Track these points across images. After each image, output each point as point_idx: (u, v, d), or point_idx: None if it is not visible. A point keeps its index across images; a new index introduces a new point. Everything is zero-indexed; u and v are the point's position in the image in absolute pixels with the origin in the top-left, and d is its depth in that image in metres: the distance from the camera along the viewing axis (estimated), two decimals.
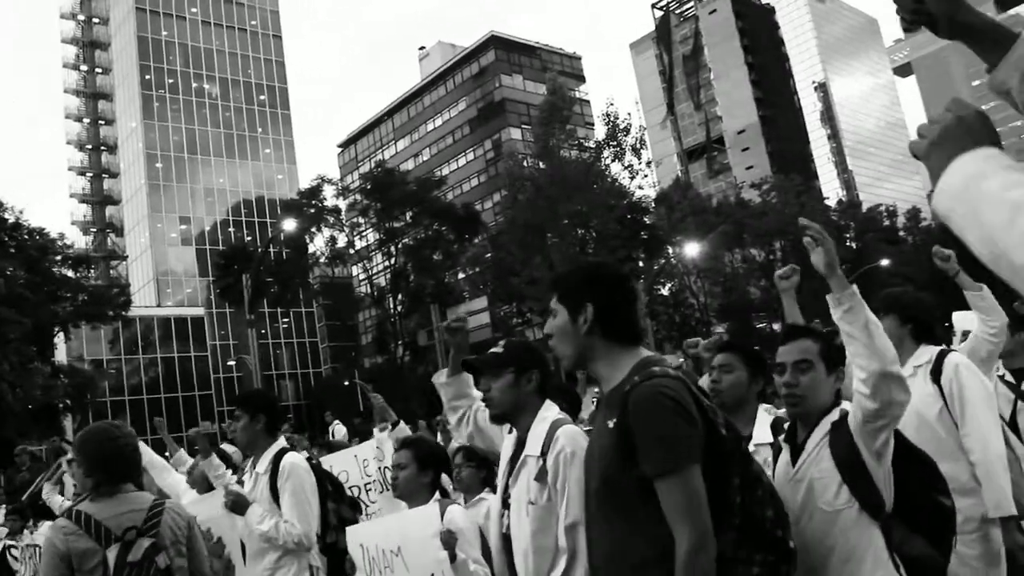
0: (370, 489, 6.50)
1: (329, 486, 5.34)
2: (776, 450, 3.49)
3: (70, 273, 45.47)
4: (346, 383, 60.98)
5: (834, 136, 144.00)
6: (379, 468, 6.52)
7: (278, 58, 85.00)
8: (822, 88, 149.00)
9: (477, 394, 3.83)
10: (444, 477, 5.24)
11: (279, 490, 4.90)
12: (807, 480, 3.12)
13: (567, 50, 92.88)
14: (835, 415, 3.16)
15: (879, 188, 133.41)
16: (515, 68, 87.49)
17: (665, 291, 58.72)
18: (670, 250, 54.32)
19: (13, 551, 8.15)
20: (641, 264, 52.81)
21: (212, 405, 68.14)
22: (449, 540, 3.87)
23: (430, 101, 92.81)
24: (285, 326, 76.20)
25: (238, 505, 4.96)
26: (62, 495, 8.77)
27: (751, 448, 3.82)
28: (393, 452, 5.22)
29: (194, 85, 79.32)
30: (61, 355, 52.15)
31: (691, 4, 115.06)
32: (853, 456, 3.01)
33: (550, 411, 3.32)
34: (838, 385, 3.29)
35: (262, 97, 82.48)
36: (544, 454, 3.15)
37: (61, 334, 46.19)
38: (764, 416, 4.02)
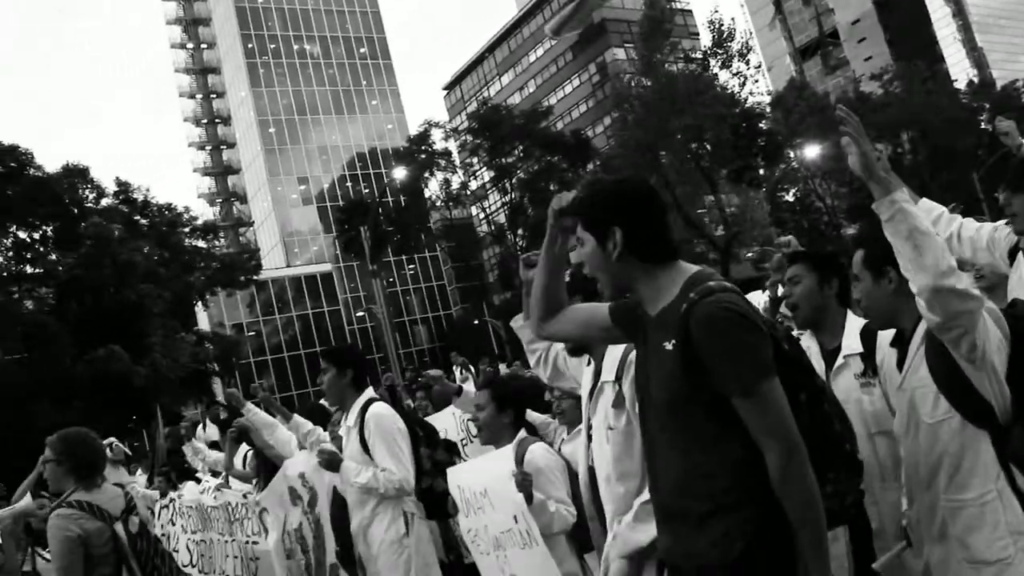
0: (465, 444, 6.39)
1: (420, 431, 5.26)
2: (870, 358, 3.35)
3: (201, 244, 47.19)
4: (475, 322, 61.76)
5: (959, 12, 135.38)
6: (462, 419, 6.42)
7: (373, 9, 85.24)
8: None
9: None
10: (534, 414, 5.08)
11: (368, 441, 4.86)
12: (910, 391, 2.93)
13: None
14: None
15: (1015, 63, 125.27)
16: None
17: (789, 197, 57.01)
18: (791, 154, 52.53)
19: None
20: (761, 172, 51.32)
21: None
22: (523, 482, 3.80)
23: (529, 32, 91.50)
24: (412, 272, 77.44)
25: (331, 464, 4.99)
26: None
27: (840, 360, 3.64)
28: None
29: (295, 47, 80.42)
30: (203, 323, 54.37)
31: None
32: (947, 364, 2.76)
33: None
34: None
35: (362, 50, 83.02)
36: (619, 378, 3.07)
37: (199, 303, 48.07)
38: (854, 323, 3.71)
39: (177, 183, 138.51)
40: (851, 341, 3.65)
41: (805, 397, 2.42)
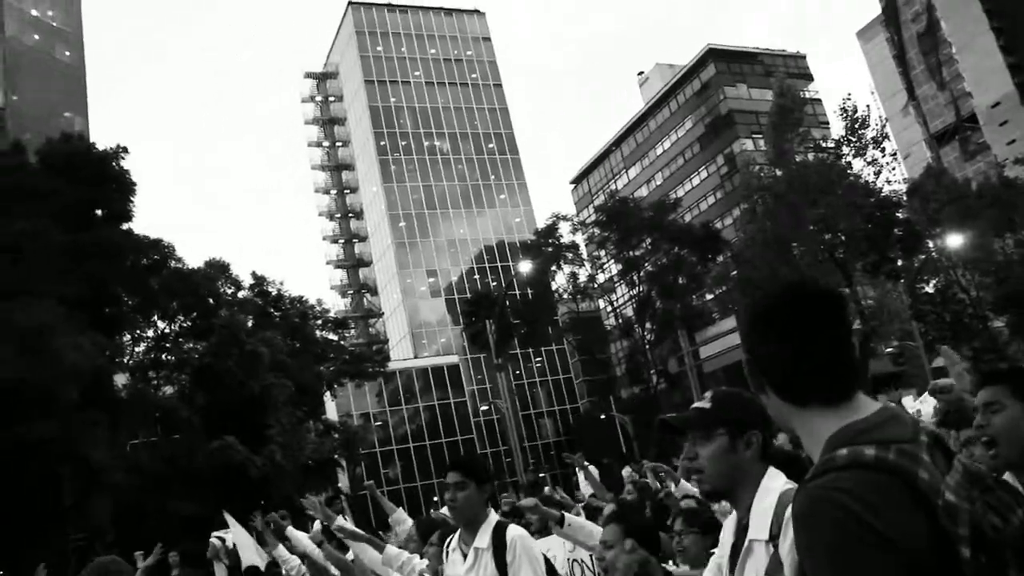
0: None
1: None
2: None
3: (332, 336, 48.23)
4: (602, 416, 60.84)
5: None
6: (567, 560, 5.83)
7: (501, 106, 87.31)
8: None
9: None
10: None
11: (510, 566, 4.31)
12: None
13: (790, 50, 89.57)
14: None
15: None
16: (738, 78, 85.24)
17: (930, 288, 54.56)
18: (930, 244, 50.43)
19: None
20: (899, 263, 49.37)
21: (475, 448, 69.90)
22: None
23: (655, 125, 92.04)
24: (539, 365, 77.26)
25: None
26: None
27: None
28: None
29: (425, 144, 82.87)
30: (331, 412, 55.14)
31: None
32: None
33: (776, 480, 2.53)
34: None
35: (491, 145, 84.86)
36: (774, 537, 2.37)
37: (328, 393, 48.87)
38: None
39: (311, 276, 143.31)
40: None
41: None
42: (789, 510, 2.24)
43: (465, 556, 4.48)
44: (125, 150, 35.17)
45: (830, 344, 1.78)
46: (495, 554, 4.33)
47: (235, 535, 9.13)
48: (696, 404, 2.69)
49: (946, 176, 57.56)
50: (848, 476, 1.60)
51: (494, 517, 4.50)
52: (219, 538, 14.54)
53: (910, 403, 9.69)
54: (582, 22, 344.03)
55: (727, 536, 2.69)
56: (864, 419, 1.72)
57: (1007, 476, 3.00)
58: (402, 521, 6.86)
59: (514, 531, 4.39)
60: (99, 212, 34.64)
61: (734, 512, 2.64)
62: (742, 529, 2.54)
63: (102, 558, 4.28)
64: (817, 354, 1.77)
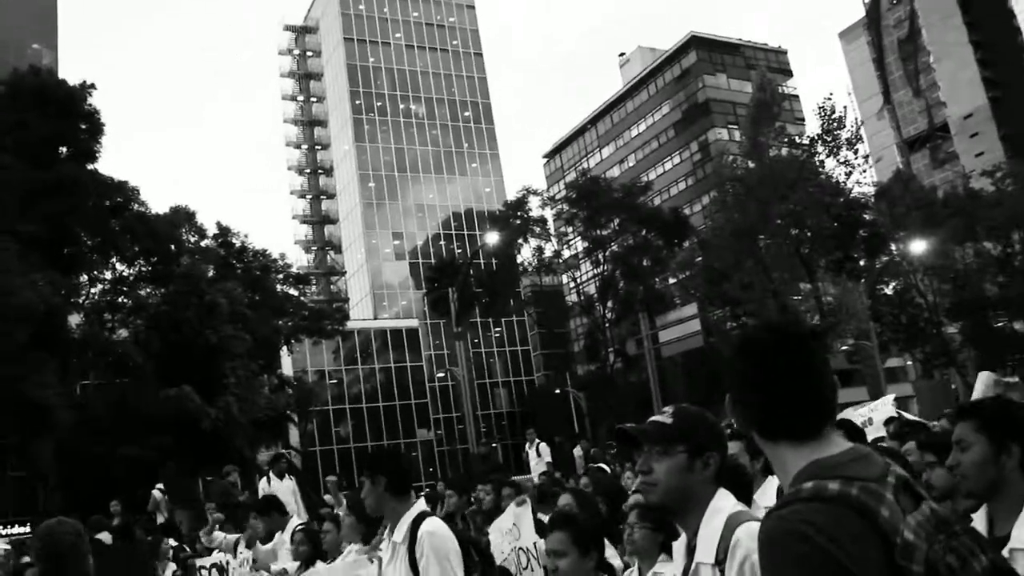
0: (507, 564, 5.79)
1: (475, 555, 4.56)
2: None
3: (292, 291, 47.86)
4: (557, 391, 61.16)
5: None
6: (513, 548, 5.81)
7: (480, 75, 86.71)
8: None
9: None
10: (608, 549, 4.50)
11: (419, 563, 4.17)
12: None
13: (772, 45, 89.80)
14: None
15: None
16: (718, 67, 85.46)
17: (889, 290, 55.25)
18: (893, 247, 51.00)
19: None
20: (862, 263, 49.91)
21: (428, 413, 70.03)
22: None
23: (633, 106, 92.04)
24: (497, 335, 77.38)
25: None
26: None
27: (1005, 552, 2.76)
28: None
29: (401, 106, 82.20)
30: (287, 368, 54.89)
31: None
32: None
33: (725, 501, 2.52)
34: None
35: (466, 113, 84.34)
36: (720, 562, 2.38)
37: (285, 348, 48.56)
38: None
39: (276, 230, 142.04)
40: None
41: None
42: (735, 534, 2.33)
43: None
44: (93, 87, 34.53)
45: (798, 384, 1.87)
46: (409, 548, 4.21)
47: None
48: (656, 417, 2.66)
49: (914, 182, 58.23)
50: (811, 508, 1.69)
51: (416, 510, 4.33)
52: (160, 490, 14.47)
53: (855, 412, 9.80)
54: (573, 2, 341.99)
55: (679, 558, 2.70)
56: (831, 456, 1.80)
57: (982, 510, 3.07)
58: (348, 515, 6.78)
59: (426, 526, 4.21)
60: (64, 149, 34.01)
61: (683, 535, 2.62)
62: (690, 551, 2.52)
63: (49, 521, 4.08)
64: (786, 393, 1.87)
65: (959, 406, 3.53)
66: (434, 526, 4.20)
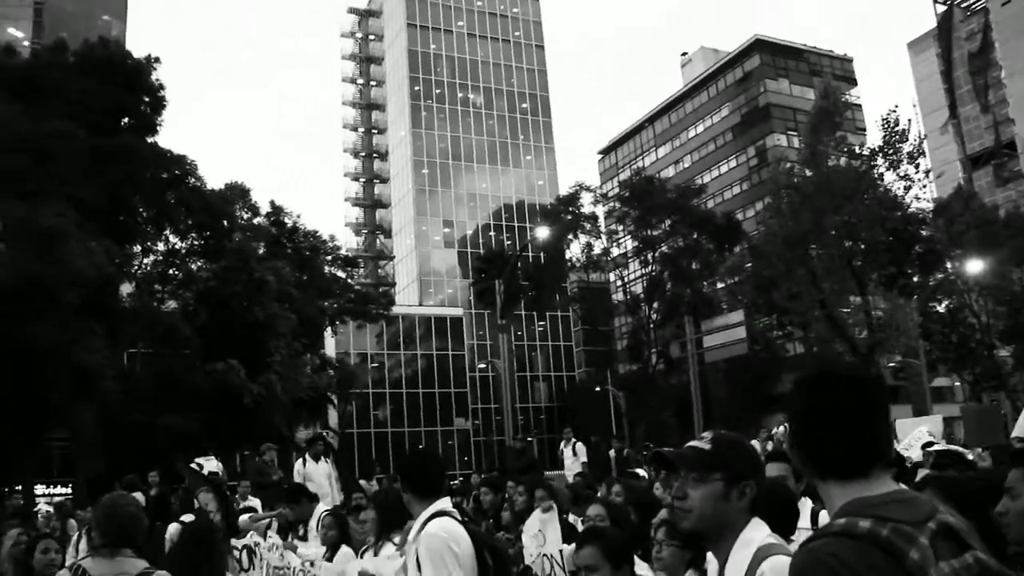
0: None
1: (489, 560, 4.27)
2: None
3: (340, 273, 48.23)
4: (597, 388, 60.99)
5: None
6: (539, 553, 5.76)
7: (540, 67, 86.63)
8: None
9: None
10: (640, 566, 4.40)
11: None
12: None
13: (837, 52, 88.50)
14: None
15: None
16: (781, 72, 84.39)
17: (941, 308, 54.28)
18: (948, 265, 50.05)
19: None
20: (915, 280, 49.05)
21: (467, 402, 70.25)
22: None
23: (692, 107, 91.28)
24: (541, 329, 77.38)
25: None
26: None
27: None
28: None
29: (460, 95, 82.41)
30: (330, 349, 55.37)
31: None
32: None
33: (757, 531, 2.50)
34: None
35: (524, 105, 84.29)
36: None
37: (329, 329, 48.96)
38: None
39: (328, 211, 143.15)
40: None
41: None
42: (761, 567, 2.35)
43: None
44: (157, 60, 35.01)
45: (851, 428, 1.94)
46: (419, 550, 4.14)
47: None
48: (694, 442, 2.64)
49: (975, 200, 57.04)
50: (839, 543, 1.78)
51: (432, 509, 4.25)
52: (197, 464, 14.62)
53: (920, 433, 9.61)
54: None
55: None
56: (873, 495, 1.86)
57: None
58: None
59: (430, 527, 4.14)
60: (126, 121, 34.54)
61: (714, 563, 2.60)
62: None
63: (112, 494, 4.39)
64: (837, 436, 1.94)
65: (1016, 451, 3.41)
66: (436, 527, 4.10)
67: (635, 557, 4.26)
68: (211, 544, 5.83)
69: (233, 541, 8.32)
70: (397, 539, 5.61)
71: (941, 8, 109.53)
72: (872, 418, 1.95)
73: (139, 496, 13.03)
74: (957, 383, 61.62)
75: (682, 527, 2.62)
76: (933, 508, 1.85)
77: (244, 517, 8.50)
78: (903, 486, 1.97)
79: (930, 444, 9.04)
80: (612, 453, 18.48)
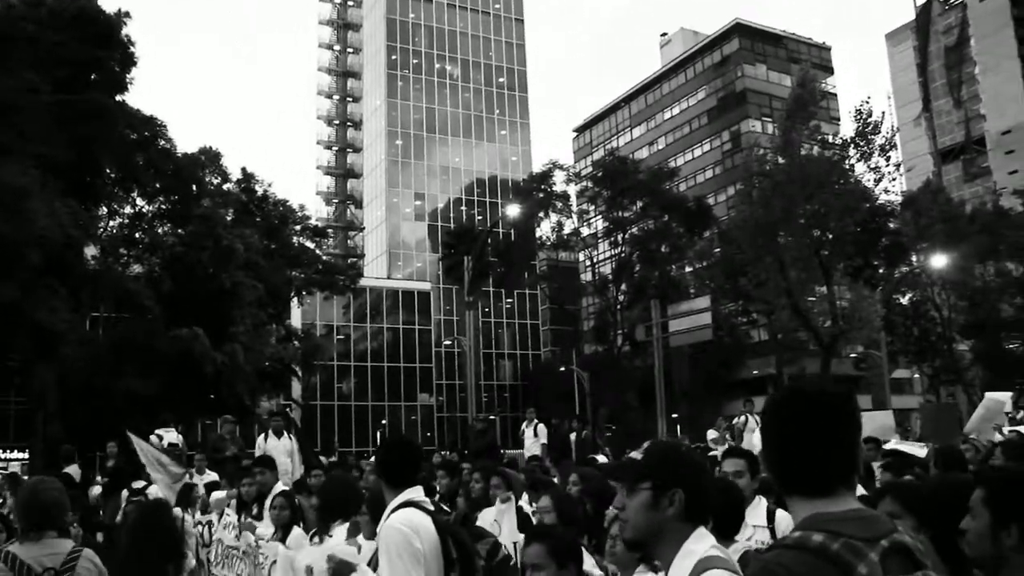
0: None
1: (454, 553, 4.14)
2: None
3: (309, 243, 47.83)
4: (562, 368, 61.16)
5: None
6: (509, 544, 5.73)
7: (519, 41, 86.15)
8: None
9: None
10: (588, 560, 4.39)
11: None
12: None
13: (816, 40, 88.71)
14: None
15: None
16: (759, 57, 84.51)
17: (904, 301, 54.87)
18: (914, 258, 50.54)
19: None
20: (880, 271, 49.49)
21: (432, 378, 70.20)
22: None
23: (669, 89, 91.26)
24: (508, 306, 77.45)
25: (338, 574, 4.28)
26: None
27: None
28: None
29: (436, 66, 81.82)
30: (296, 320, 55.04)
31: None
32: None
33: (700, 543, 2.51)
34: None
35: (501, 79, 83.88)
36: None
37: (295, 300, 48.61)
38: None
39: (299, 177, 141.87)
40: None
41: None
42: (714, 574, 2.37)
43: None
44: (128, 15, 34.09)
45: (814, 445, 2.01)
46: (378, 542, 4.10)
47: (140, 452, 9.17)
48: (632, 453, 2.70)
49: (943, 194, 57.51)
50: (790, 555, 1.88)
51: (399, 499, 4.12)
52: (157, 435, 14.48)
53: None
54: None
55: None
56: (832, 512, 1.94)
57: None
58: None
59: (392, 519, 4.03)
60: (95, 77, 33.77)
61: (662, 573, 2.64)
62: None
63: (33, 478, 4.52)
64: (803, 455, 2.02)
65: (976, 472, 3.43)
66: (399, 519, 3.99)
67: (584, 550, 4.25)
68: (168, 520, 5.80)
69: (198, 516, 8.27)
70: (346, 527, 5.55)
71: (921, 1, 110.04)
72: (837, 437, 2.01)
73: (74, 469, 12.89)
74: (916, 375, 62.43)
75: (624, 538, 2.70)
76: (890, 528, 1.92)
77: (218, 494, 8.42)
78: (862, 506, 2.01)
79: (871, 440, 9.06)
80: (572, 436, 18.52)
